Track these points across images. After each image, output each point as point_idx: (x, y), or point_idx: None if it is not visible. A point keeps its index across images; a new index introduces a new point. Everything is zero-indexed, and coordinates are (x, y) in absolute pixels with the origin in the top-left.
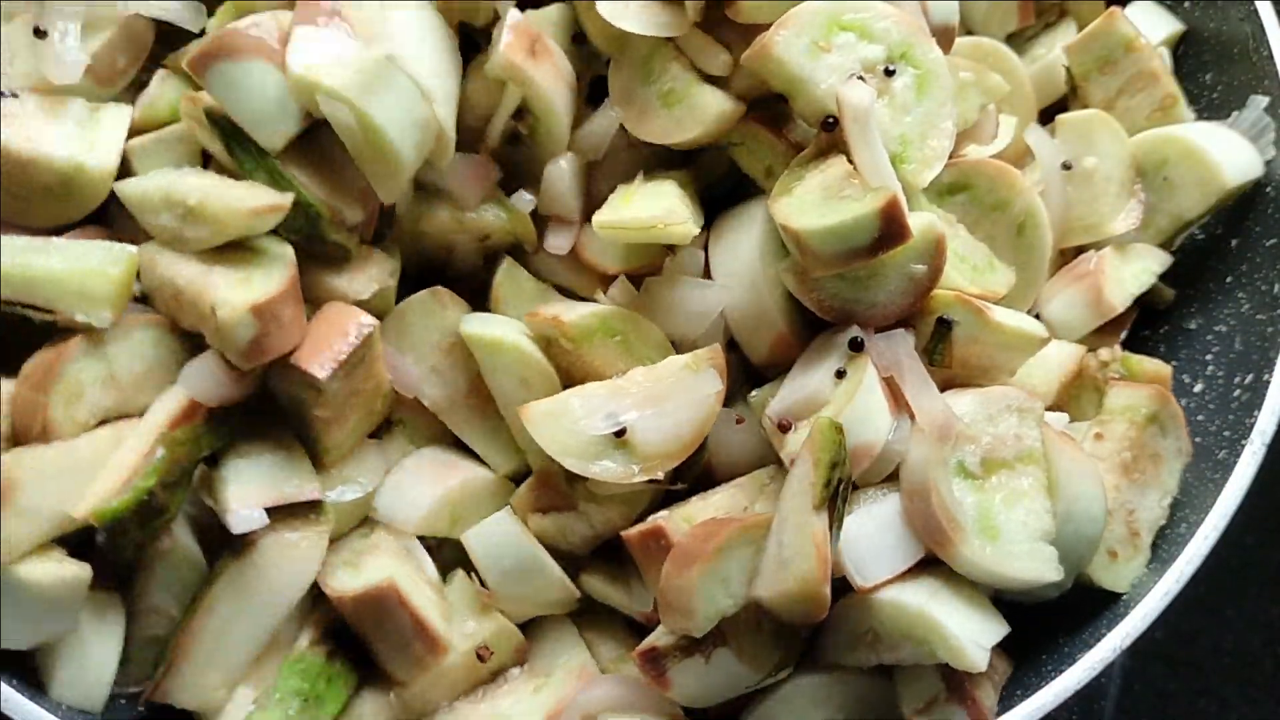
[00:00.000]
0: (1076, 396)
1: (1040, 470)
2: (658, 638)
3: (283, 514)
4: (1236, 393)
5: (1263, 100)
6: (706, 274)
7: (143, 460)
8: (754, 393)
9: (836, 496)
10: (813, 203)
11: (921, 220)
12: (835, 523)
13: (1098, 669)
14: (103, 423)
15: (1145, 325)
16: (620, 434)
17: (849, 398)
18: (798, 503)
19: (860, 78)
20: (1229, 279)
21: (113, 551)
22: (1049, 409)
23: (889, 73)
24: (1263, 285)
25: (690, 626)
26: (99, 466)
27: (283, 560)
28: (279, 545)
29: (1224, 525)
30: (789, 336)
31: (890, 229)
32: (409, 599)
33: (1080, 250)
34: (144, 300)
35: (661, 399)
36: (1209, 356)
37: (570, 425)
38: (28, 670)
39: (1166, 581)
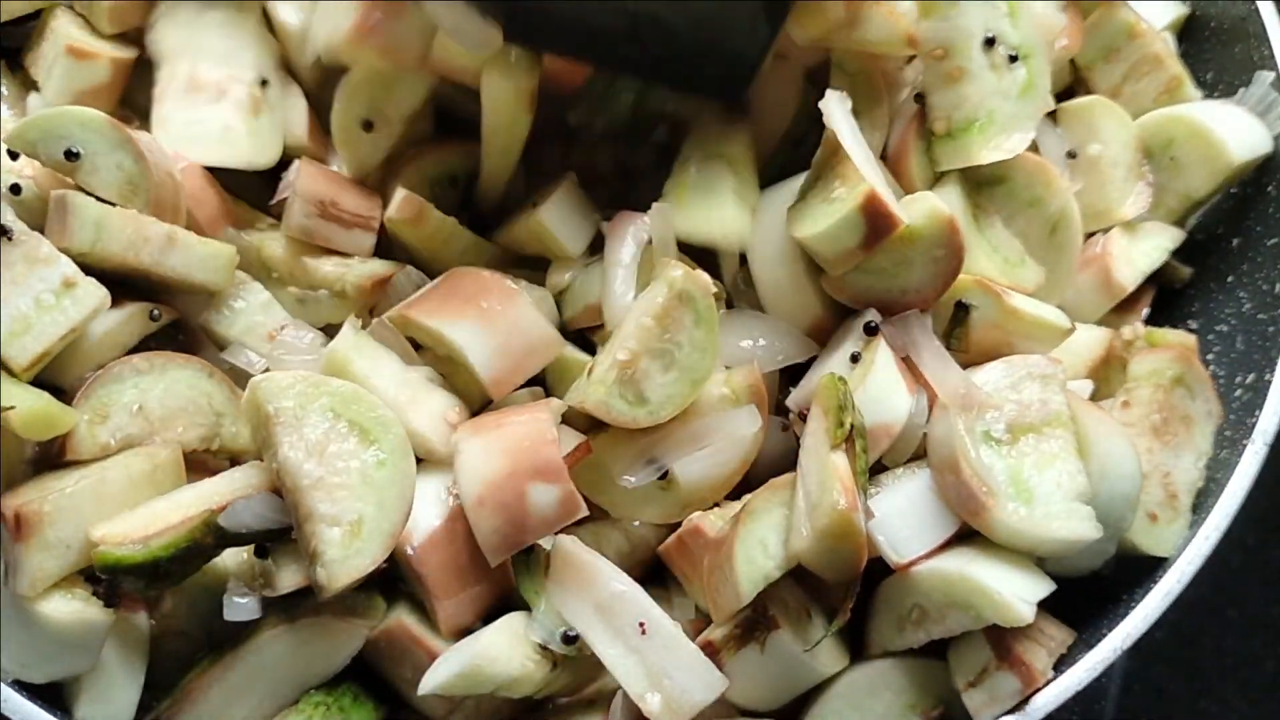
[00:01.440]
0: (1106, 379)
1: (1069, 433)
2: (711, 631)
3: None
4: (1238, 392)
5: (1269, 76)
6: (743, 258)
7: (175, 524)
8: (793, 391)
9: (853, 440)
10: (813, 209)
11: (924, 206)
12: (858, 472)
13: (1098, 669)
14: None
15: (1148, 322)
16: (664, 476)
17: (862, 379)
18: (816, 451)
19: (991, 40)
20: (1230, 278)
21: (107, 591)
22: None
23: (1012, 59)
24: (1264, 284)
25: (738, 596)
26: (128, 499)
27: (321, 642)
28: (322, 628)
29: (1226, 525)
30: (825, 321)
31: (876, 222)
32: (423, 638)
33: (1091, 238)
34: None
35: (701, 438)
36: (1210, 356)
37: (610, 479)
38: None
39: (1168, 581)
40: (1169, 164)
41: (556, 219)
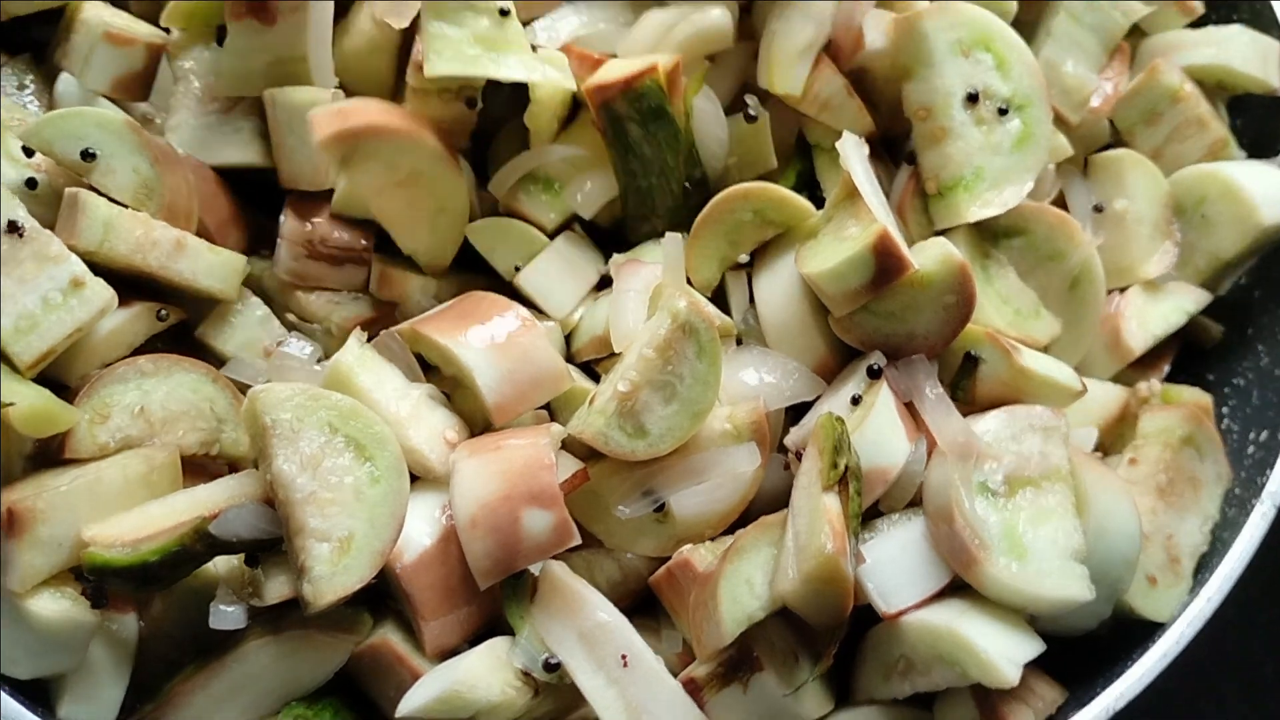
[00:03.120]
0: (1121, 435)
1: (1068, 488)
2: (694, 668)
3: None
4: (1251, 449)
5: None
6: (750, 299)
7: (166, 530)
8: (791, 431)
9: (846, 483)
10: (824, 246)
11: (937, 250)
12: (850, 516)
13: None
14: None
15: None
16: (660, 508)
17: (861, 422)
18: (809, 490)
19: (974, 96)
20: (1249, 330)
21: (95, 593)
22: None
23: (1002, 112)
24: None
25: (721, 635)
26: (123, 500)
27: (306, 654)
28: (308, 640)
29: (1228, 589)
30: (830, 362)
31: (886, 263)
32: (407, 657)
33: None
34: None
35: (699, 473)
36: (1224, 410)
37: (606, 508)
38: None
39: (1165, 643)
40: (1199, 222)
41: (537, 283)
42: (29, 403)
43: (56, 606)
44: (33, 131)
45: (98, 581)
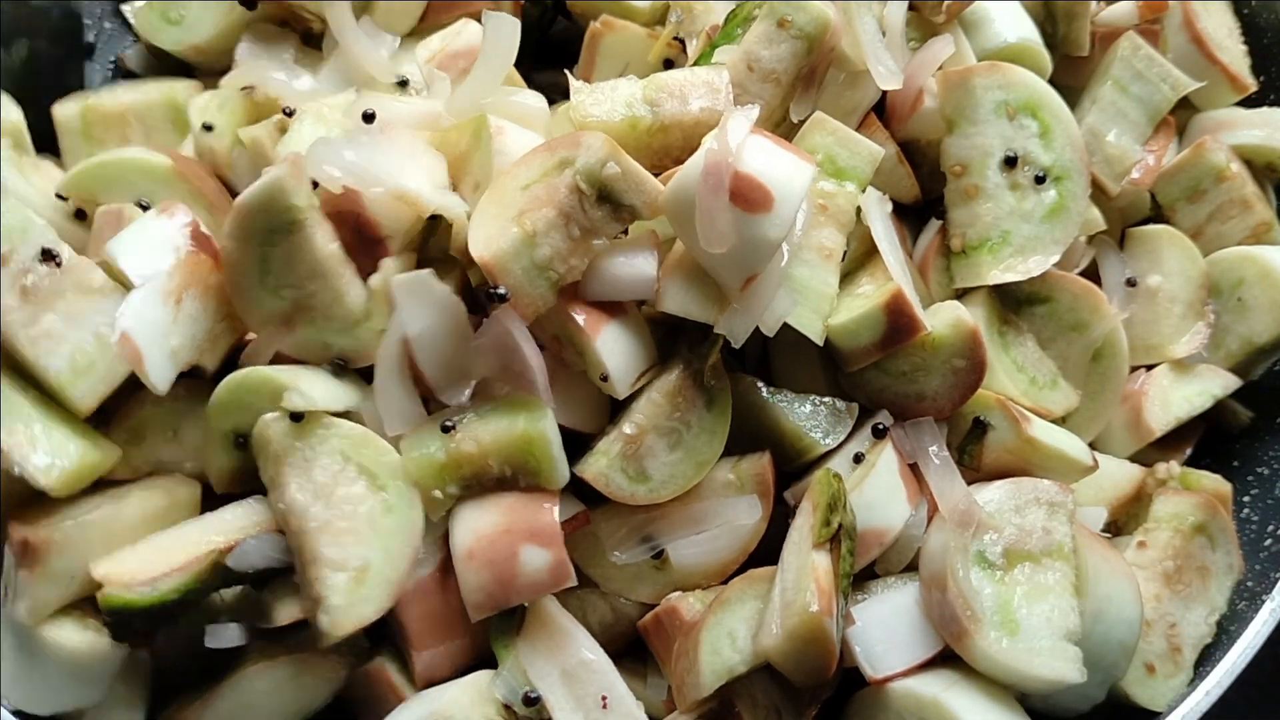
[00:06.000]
0: (1136, 515)
1: (1069, 567)
2: (673, 718)
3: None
4: (1268, 542)
5: None
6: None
7: (182, 565)
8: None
9: (839, 541)
10: (840, 302)
11: (950, 313)
12: (840, 575)
13: None
14: (153, 473)
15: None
16: (659, 555)
17: (860, 482)
18: (799, 547)
19: (1012, 160)
20: (1279, 420)
21: (114, 630)
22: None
23: (1039, 180)
24: None
25: (699, 687)
26: (138, 534)
27: (306, 678)
28: (306, 665)
29: (1229, 684)
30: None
31: (898, 323)
32: (399, 685)
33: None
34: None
35: (699, 522)
36: (1246, 498)
37: (604, 550)
38: None
39: None
40: (1235, 305)
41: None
42: (74, 462)
43: (78, 636)
44: (72, 181)
45: (117, 622)
